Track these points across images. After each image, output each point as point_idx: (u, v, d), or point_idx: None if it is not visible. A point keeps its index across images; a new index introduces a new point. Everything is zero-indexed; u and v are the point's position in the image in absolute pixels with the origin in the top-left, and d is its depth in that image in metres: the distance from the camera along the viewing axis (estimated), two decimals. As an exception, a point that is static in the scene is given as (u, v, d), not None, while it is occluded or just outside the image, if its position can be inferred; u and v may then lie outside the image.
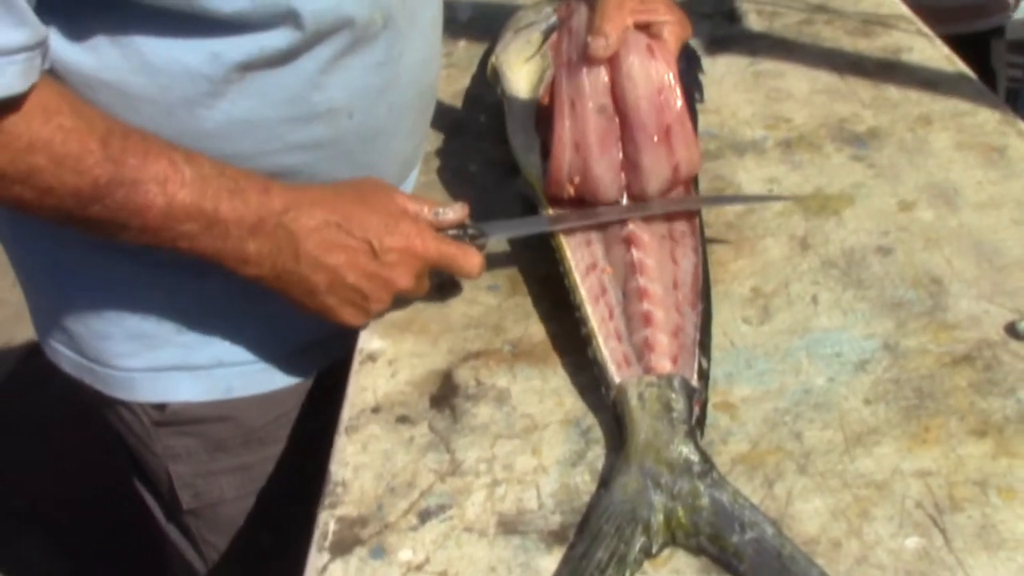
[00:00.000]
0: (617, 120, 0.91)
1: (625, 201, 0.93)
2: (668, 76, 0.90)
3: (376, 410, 0.79)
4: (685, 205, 0.93)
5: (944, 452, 0.70)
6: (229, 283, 0.81)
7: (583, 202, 0.93)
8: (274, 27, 0.77)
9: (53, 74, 0.74)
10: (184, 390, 0.92)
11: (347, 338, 0.88)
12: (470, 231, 0.88)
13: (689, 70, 1.15)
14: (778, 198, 1.00)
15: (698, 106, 1.13)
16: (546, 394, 0.79)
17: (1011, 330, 0.80)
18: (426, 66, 0.97)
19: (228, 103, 0.79)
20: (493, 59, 1.21)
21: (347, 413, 0.79)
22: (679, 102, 0.90)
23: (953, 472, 0.69)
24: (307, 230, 0.78)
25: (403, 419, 0.78)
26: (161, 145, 0.75)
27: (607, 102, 0.91)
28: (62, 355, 0.95)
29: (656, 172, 0.91)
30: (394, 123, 0.93)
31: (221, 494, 0.99)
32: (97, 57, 0.75)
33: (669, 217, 0.92)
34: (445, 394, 0.80)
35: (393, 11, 0.86)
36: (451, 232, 0.87)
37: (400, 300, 0.88)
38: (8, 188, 0.70)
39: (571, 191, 0.93)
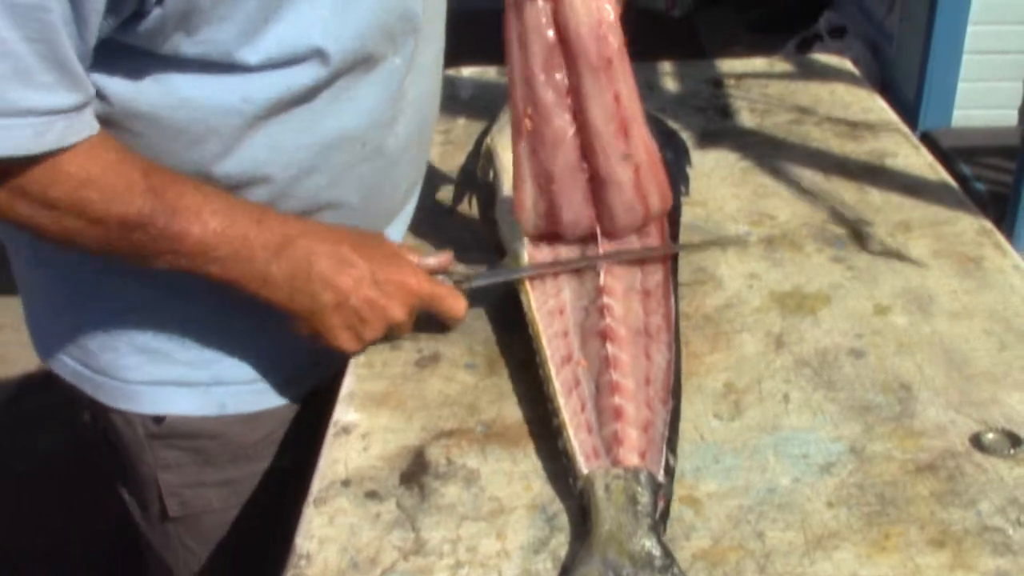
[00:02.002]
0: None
1: (600, 245, 0.98)
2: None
3: (346, 483, 0.80)
4: (658, 251, 0.98)
5: (902, 560, 0.71)
6: (231, 311, 0.90)
7: (556, 236, 0.98)
8: (301, 64, 0.84)
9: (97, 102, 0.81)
10: (182, 404, 0.98)
11: (329, 368, 0.97)
12: (455, 277, 0.96)
13: (676, 162, 1.18)
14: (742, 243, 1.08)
15: (685, 198, 1.16)
16: (515, 477, 0.80)
17: (976, 442, 0.81)
18: (429, 100, 1.06)
19: (257, 134, 0.86)
20: (488, 140, 1.24)
21: (317, 485, 0.80)
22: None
23: (910, 581, 0.69)
24: (321, 252, 0.87)
25: (372, 494, 0.79)
26: (191, 180, 0.83)
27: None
28: (65, 365, 1.00)
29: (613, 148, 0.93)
30: (400, 152, 1.00)
31: (207, 505, 1.03)
32: (138, 91, 0.82)
33: (646, 310, 0.94)
34: (415, 471, 0.81)
35: (406, 48, 0.94)
36: (438, 277, 0.95)
37: (378, 374, 0.89)
38: (61, 219, 0.78)
39: (540, 224, 0.97)
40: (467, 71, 1.70)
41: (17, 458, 2.38)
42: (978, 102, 3.57)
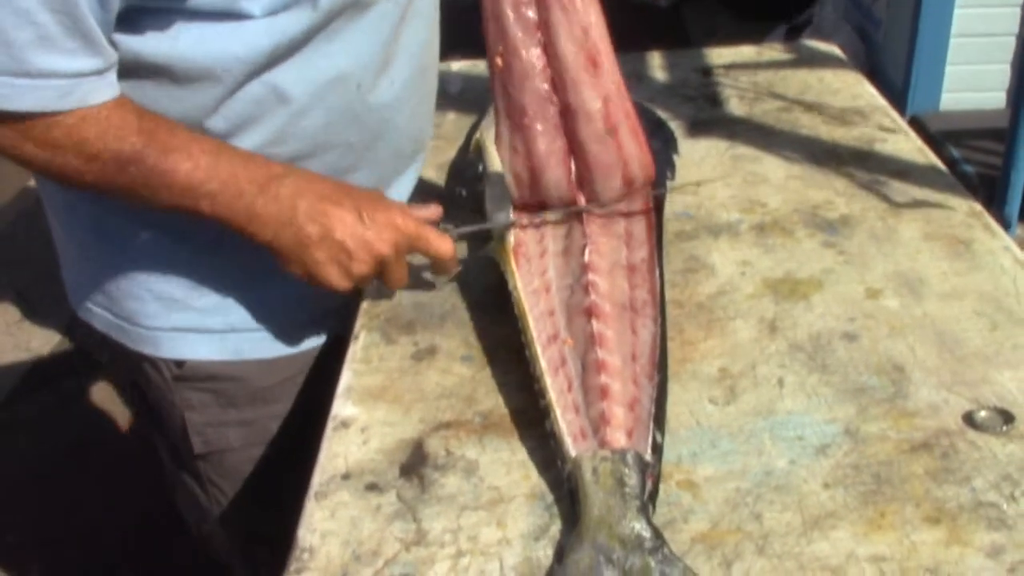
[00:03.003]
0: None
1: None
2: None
3: (346, 477, 0.80)
4: (634, 204, 1.02)
5: (899, 538, 0.72)
6: (241, 260, 0.96)
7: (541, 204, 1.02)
8: (295, 10, 0.89)
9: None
10: (201, 349, 1.04)
11: (343, 319, 1.02)
12: (443, 226, 1.00)
13: (664, 150, 1.19)
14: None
15: (678, 186, 1.17)
16: (514, 466, 0.81)
17: (969, 420, 0.82)
18: (426, 48, 1.08)
19: (255, 79, 0.91)
20: (477, 135, 1.24)
21: (317, 479, 0.80)
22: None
23: (906, 558, 0.70)
24: (306, 188, 0.90)
25: (372, 487, 0.79)
26: (183, 126, 0.88)
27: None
28: (96, 315, 1.06)
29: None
30: (398, 99, 1.04)
31: (228, 443, 1.09)
32: (142, 43, 0.87)
33: (631, 285, 0.95)
34: (414, 463, 0.82)
35: None
36: None
37: (375, 368, 0.90)
38: (62, 156, 0.83)
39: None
40: (456, 65, 1.70)
41: (11, 461, 2.39)
42: (966, 85, 3.58)
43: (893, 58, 3.78)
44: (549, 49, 0.96)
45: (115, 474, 2.33)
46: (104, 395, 2.59)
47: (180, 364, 1.04)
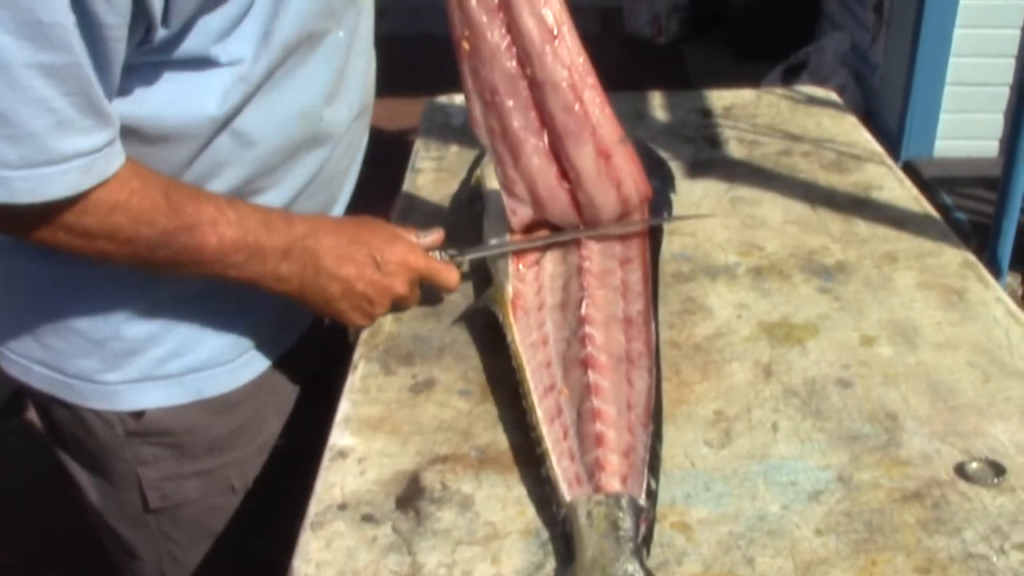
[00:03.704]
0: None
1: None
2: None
3: (342, 507, 0.81)
4: (632, 227, 1.08)
5: (889, 587, 0.73)
6: (199, 306, 0.99)
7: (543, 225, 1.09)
8: (255, 53, 0.89)
9: None
10: (160, 396, 1.01)
11: (293, 332, 1.10)
12: (449, 252, 1.06)
13: (663, 190, 1.21)
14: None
15: (676, 227, 1.19)
16: (509, 503, 0.81)
17: (960, 471, 0.83)
18: (366, 73, 1.10)
19: (225, 129, 0.92)
20: (477, 172, 1.26)
21: (313, 508, 0.81)
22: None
23: (897, 608, 0.71)
24: (325, 248, 0.96)
25: (368, 518, 0.80)
26: (205, 193, 0.91)
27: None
28: (34, 373, 1.02)
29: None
30: (347, 120, 1.06)
31: (186, 496, 1.07)
32: (123, 106, 0.85)
33: (627, 337, 0.96)
34: (411, 496, 0.82)
35: (347, 21, 1.00)
36: (432, 253, 1.05)
37: (373, 399, 0.90)
38: (95, 243, 0.85)
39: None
40: (459, 98, 1.71)
41: None
42: (960, 133, 3.62)
43: (888, 103, 3.83)
44: (512, 27, 1.01)
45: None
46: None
47: (137, 416, 1.01)
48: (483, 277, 1.09)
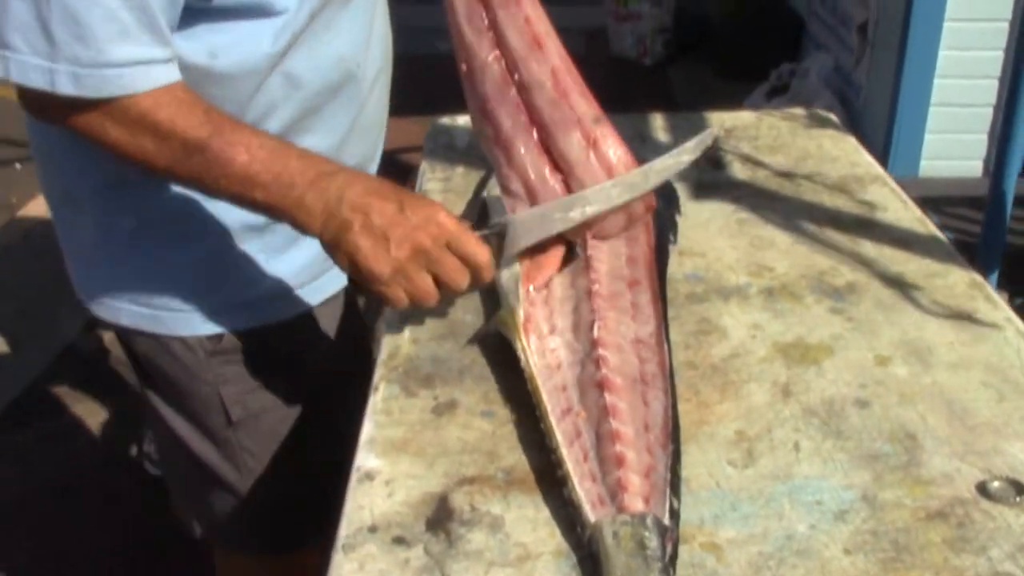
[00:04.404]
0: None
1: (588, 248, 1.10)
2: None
3: (373, 529, 0.81)
4: (635, 235, 1.10)
5: (920, 606, 0.73)
6: (262, 242, 1.13)
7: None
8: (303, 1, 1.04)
9: None
10: (233, 321, 1.16)
11: (334, 281, 1.23)
12: (482, 233, 1.03)
13: (667, 210, 1.23)
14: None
15: (685, 247, 1.20)
16: (539, 524, 0.82)
17: (982, 490, 0.84)
18: (386, 35, 1.26)
19: (275, 71, 1.06)
20: (485, 194, 1.27)
21: (344, 530, 0.81)
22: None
23: (928, 626, 0.72)
24: (352, 183, 0.96)
25: (399, 540, 0.80)
26: (246, 123, 0.99)
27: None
28: (124, 312, 1.17)
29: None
30: (375, 77, 1.21)
31: (263, 406, 1.21)
32: (187, 45, 0.99)
33: (640, 359, 0.97)
34: (440, 518, 0.82)
35: None
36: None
37: (396, 421, 0.90)
38: (140, 137, 0.94)
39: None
40: (462, 119, 1.73)
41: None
42: (945, 153, 3.67)
43: (873, 124, 3.87)
44: (500, 42, 1.09)
45: (98, 510, 2.30)
46: (89, 429, 2.56)
47: (216, 339, 1.16)
48: (492, 300, 1.10)
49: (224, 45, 1.01)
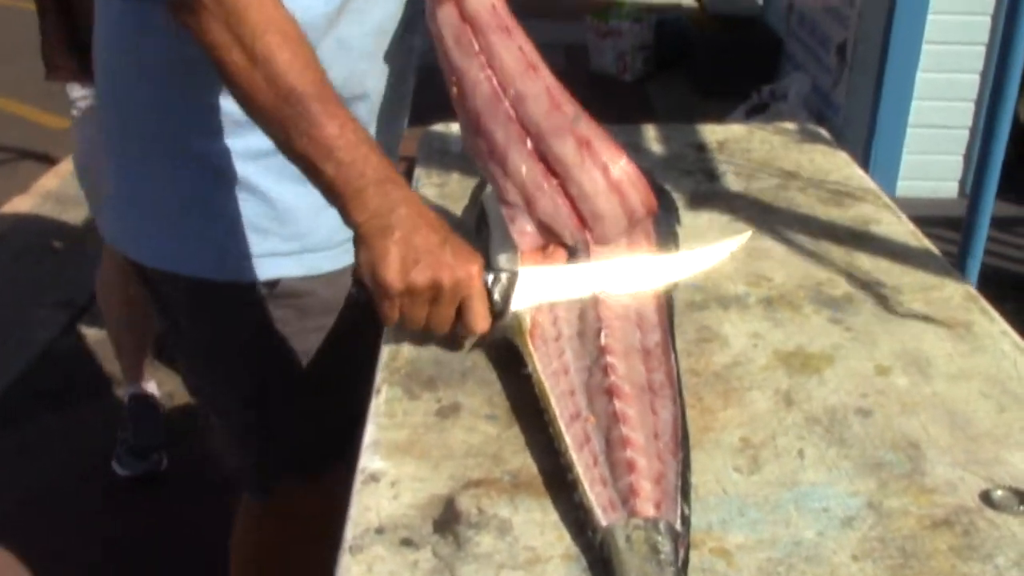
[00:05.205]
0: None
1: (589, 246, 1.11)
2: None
3: (380, 531, 0.80)
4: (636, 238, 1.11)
5: (930, 612, 0.74)
6: (310, 199, 1.08)
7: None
8: None
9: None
10: (286, 268, 1.24)
11: None
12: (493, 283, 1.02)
13: (667, 220, 1.23)
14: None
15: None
16: (547, 527, 0.81)
17: (986, 498, 0.85)
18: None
19: (327, 35, 1.13)
20: (482, 198, 1.27)
21: (351, 532, 0.80)
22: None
23: (939, 633, 0.72)
24: (411, 200, 0.99)
25: (407, 542, 0.79)
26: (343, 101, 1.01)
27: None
28: (184, 262, 1.22)
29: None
30: (408, 49, 1.30)
31: (308, 347, 1.29)
32: None
33: (648, 368, 0.97)
34: (448, 520, 0.81)
35: None
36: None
37: (399, 424, 0.89)
38: (254, 71, 0.97)
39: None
40: (455, 126, 1.72)
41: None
42: (921, 174, 3.72)
43: (851, 144, 3.92)
44: (491, 63, 1.11)
45: (75, 518, 2.26)
46: (65, 439, 2.52)
47: (271, 285, 1.23)
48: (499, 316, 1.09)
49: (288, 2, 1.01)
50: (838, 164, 1.57)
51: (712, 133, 1.71)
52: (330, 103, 0.98)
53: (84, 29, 2.03)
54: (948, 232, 3.23)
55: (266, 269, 1.23)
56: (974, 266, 2.80)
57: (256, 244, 1.21)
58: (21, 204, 3.61)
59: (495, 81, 1.11)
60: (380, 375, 1.01)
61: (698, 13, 5.54)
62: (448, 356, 1.05)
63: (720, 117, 4.41)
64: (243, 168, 1.18)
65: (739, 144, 1.66)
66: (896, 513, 0.83)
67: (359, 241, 0.97)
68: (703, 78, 5.11)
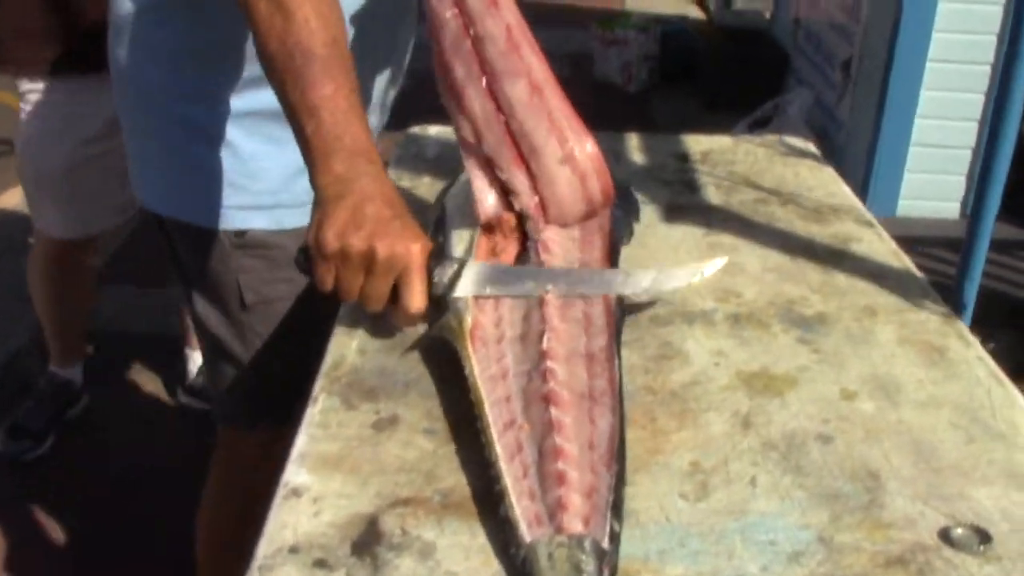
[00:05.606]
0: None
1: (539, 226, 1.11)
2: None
3: (294, 550, 0.75)
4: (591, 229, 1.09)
5: (874, 659, 0.68)
6: (284, 159, 1.24)
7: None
8: None
9: None
10: (256, 221, 1.32)
11: None
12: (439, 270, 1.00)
13: (623, 214, 1.20)
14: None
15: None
16: (473, 551, 0.76)
17: (945, 536, 0.79)
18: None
19: None
20: (444, 202, 1.23)
21: (263, 550, 0.75)
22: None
23: None
24: (378, 178, 0.98)
25: (321, 563, 0.74)
26: (352, 67, 1.03)
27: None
28: (172, 205, 1.34)
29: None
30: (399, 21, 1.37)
31: (275, 295, 1.36)
32: None
33: (590, 374, 0.93)
34: (368, 541, 0.77)
35: None
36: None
37: (332, 435, 0.85)
38: (274, 15, 1.00)
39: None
40: (433, 130, 1.68)
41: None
42: (923, 194, 3.66)
43: (853, 161, 3.87)
44: (474, 39, 1.12)
45: (35, 533, 2.22)
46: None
47: (241, 234, 1.31)
48: (439, 304, 1.04)
49: None
50: (823, 180, 1.52)
51: (696, 144, 1.66)
52: (334, 66, 1.00)
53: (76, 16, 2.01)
54: (948, 253, 3.18)
55: (237, 220, 1.31)
56: (972, 289, 2.75)
57: (228, 197, 1.30)
58: (10, 199, 3.58)
59: (461, 21, 1.13)
60: (319, 383, 0.97)
61: (705, 25, 5.51)
62: (393, 366, 1.00)
63: (724, 130, 4.35)
64: (223, 128, 1.26)
65: (723, 156, 1.61)
66: (848, 549, 0.78)
67: (315, 203, 0.98)
68: (708, 91, 5.07)
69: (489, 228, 1.12)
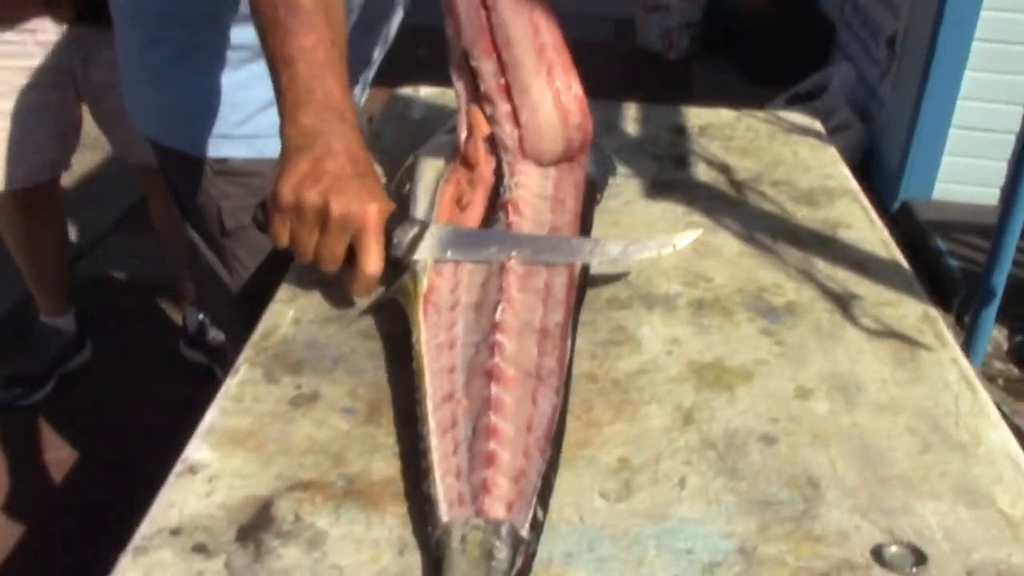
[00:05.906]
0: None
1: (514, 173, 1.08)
2: None
3: (175, 532, 0.71)
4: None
5: None
6: (260, 92, 1.26)
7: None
8: None
9: None
10: (235, 150, 1.34)
11: None
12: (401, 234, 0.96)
13: (599, 173, 1.17)
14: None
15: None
16: (365, 544, 0.72)
17: (877, 555, 0.73)
18: None
19: None
20: (415, 154, 1.19)
21: (142, 531, 0.71)
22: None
23: None
24: (348, 136, 0.95)
25: (200, 548, 0.70)
26: (342, 20, 1.04)
27: None
28: (163, 133, 1.38)
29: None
30: None
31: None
32: None
33: (540, 351, 0.88)
34: (256, 526, 0.73)
35: None
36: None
37: (246, 409, 0.81)
38: None
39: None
40: (424, 90, 1.63)
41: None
42: (961, 177, 3.53)
43: (892, 140, 3.74)
44: None
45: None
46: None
47: (222, 161, 1.33)
48: (397, 265, 0.99)
49: None
50: (823, 160, 1.44)
51: (696, 116, 1.59)
52: (320, 21, 0.99)
53: None
54: (982, 241, 3.05)
55: (217, 148, 1.33)
56: (1000, 278, 2.64)
57: (211, 125, 1.33)
58: None
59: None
60: (244, 353, 0.93)
61: (751, -7, 5.34)
62: (325, 338, 0.96)
63: (762, 103, 4.24)
64: (211, 59, 1.29)
65: (722, 130, 1.54)
66: (770, 562, 0.73)
67: (280, 155, 0.95)
68: (750, 63, 4.92)
69: (466, 163, 1.10)
